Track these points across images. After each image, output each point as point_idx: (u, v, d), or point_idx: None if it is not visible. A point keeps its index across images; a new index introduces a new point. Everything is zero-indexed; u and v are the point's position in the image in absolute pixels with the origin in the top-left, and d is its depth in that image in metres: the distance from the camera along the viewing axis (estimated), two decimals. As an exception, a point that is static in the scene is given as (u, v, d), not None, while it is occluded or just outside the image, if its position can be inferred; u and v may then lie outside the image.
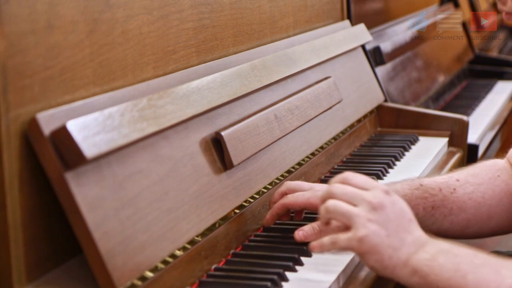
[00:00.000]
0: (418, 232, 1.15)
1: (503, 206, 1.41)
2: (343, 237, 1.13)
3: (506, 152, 1.49)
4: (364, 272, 1.29)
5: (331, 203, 1.15)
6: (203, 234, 1.25)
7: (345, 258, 1.28)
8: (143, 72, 1.27)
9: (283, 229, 1.40)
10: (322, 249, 1.15)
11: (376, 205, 1.13)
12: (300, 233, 1.30)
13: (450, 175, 1.43)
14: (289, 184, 1.39)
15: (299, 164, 1.64)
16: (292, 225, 1.39)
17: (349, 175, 1.18)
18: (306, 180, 1.65)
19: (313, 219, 1.33)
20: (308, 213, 1.42)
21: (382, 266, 1.12)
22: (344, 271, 1.25)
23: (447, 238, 1.56)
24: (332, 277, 1.22)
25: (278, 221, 1.47)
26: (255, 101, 1.53)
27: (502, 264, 1.08)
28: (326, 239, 1.15)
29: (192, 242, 1.22)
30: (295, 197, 1.35)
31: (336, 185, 1.17)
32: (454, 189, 1.40)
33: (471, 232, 1.43)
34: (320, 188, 1.36)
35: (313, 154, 1.72)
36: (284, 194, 1.38)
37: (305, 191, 1.36)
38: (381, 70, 2.32)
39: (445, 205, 1.39)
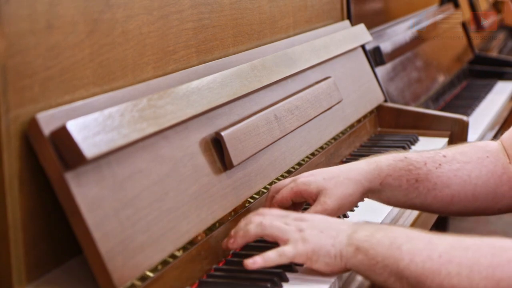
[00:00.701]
0: (350, 221, 1.23)
1: (489, 187, 1.40)
2: (288, 247, 1.18)
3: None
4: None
5: (267, 221, 1.21)
6: (203, 234, 1.25)
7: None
8: (143, 72, 1.27)
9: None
10: (267, 263, 1.17)
11: (301, 218, 1.22)
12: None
13: (437, 151, 1.43)
14: (273, 186, 1.41)
15: (299, 164, 1.64)
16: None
17: (264, 209, 1.27)
18: (306, 180, 1.65)
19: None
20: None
21: (331, 259, 1.17)
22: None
23: (432, 213, 1.58)
24: (333, 277, 1.22)
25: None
26: (255, 101, 1.53)
27: (435, 235, 1.13)
28: (271, 253, 1.18)
29: (192, 242, 1.22)
30: (281, 194, 1.37)
31: (262, 213, 1.25)
32: (440, 164, 1.40)
33: (455, 209, 1.43)
34: (301, 176, 1.38)
35: (313, 154, 1.72)
36: (272, 197, 1.39)
37: (287, 184, 1.38)
38: (381, 70, 2.32)
39: (429, 179, 1.39)
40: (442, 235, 1.14)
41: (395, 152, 1.43)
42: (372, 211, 1.51)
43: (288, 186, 1.37)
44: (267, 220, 1.21)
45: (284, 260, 1.18)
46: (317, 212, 1.32)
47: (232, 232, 1.25)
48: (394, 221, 1.57)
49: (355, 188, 1.35)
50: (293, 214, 1.24)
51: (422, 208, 1.43)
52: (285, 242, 1.19)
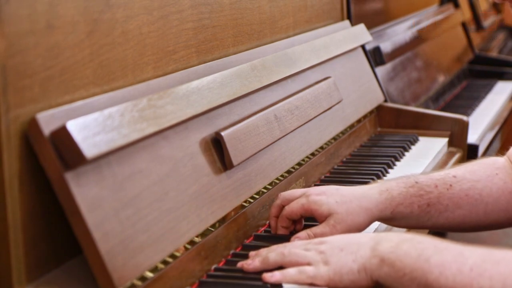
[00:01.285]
0: (371, 234, 1.19)
1: (500, 204, 1.41)
2: (309, 267, 1.16)
3: (507, 150, 1.49)
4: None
5: (287, 250, 1.19)
6: (203, 234, 1.25)
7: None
8: (143, 72, 1.27)
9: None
10: (285, 279, 1.15)
11: (321, 241, 1.19)
12: (296, 239, 1.30)
13: (447, 172, 1.43)
14: (283, 195, 1.40)
15: (299, 164, 1.64)
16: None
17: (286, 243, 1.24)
18: (306, 180, 1.65)
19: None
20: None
21: (355, 275, 1.14)
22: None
23: (444, 232, 1.57)
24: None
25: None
26: (255, 101, 1.53)
27: (464, 247, 1.11)
28: (291, 269, 1.16)
29: (192, 242, 1.22)
30: (290, 208, 1.36)
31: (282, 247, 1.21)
32: (451, 185, 1.40)
33: (467, 227, 1.43)
34: (313, 191, 1.37)
35: (313, 154, 1.72)
36: (280, 206, 1.38)
37: (299, 198, 1.36)
38: (381, 70, 2.32)
39: (441, 201, 1.39)
40: (471, 247, 1.11)
41: (405, 177, 1.42)
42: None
43: (299, 201, 1.35)
44: (287, 249, 1.19)
45: (303, 278, 1.15)
46: (325, 233, 1.30)
47: (253, 253, 1.24)
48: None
49: (365, 217, 1.35)
50: (314, 240, 1.22)
51: (434, 228, 1.43)
52: (307, 265, 1.17)
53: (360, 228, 1.35)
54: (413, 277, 1.09)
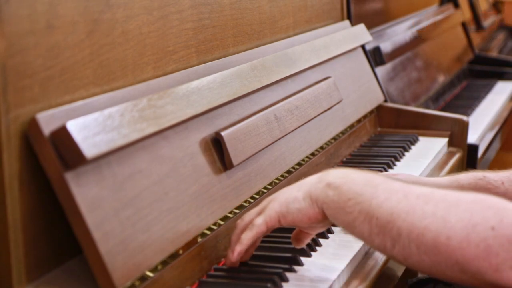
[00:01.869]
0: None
1: None
2: (257, 218, 1.17)
3: (507, 150, 1.50)
4: (370, 264, 1.30)
5: (244, 220, 1.20)
6: (203, 234, 1.25)
7: (349, 254, 1.29)
8: (143, 72, 1.27)
9: (283, 229, 1.40)
10: (243, 245, 1.17)
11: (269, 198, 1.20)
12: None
13: None
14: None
15: (299, 164, 1.64)
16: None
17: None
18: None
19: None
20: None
21: (301, 203, 1.14)
22: (347, 266, 1.26)
23: None
24: (334, 275, 1.22)
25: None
26: (255, 101, 1.53)
27: (412, 178, 1.13)
28: (243, 234, 1.17)
29: (192, 242, 1.22)
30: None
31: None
32: None
33: None
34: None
35: (313, 154, 1.72)
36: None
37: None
38: (381, 70, 2.32)
39: (506, 198, 1.41)
40: (419, 183, 1.13)
41: (474, 172, 1.45)
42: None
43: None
44: (243, 218, 1.21)
45: (257, 230, 1.16)
46: None
47: (229, 252, 1.23)
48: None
49: None
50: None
51: None
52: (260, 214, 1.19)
53: None
54: (357, 202, 1.09)
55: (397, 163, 1.87)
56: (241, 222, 1.21)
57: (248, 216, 1.21)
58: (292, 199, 1.15)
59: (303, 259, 1.28)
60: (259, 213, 1.19)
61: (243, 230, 1.20)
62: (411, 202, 1.05)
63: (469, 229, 1.00)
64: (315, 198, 1.14)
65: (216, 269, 1.26)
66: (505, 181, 1.42)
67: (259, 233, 1.18)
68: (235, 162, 1.35)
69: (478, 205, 1.03)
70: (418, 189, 1.08)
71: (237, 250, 1.19)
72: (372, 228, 1.07)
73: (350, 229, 1.11)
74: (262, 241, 1.37)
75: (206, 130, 1.34)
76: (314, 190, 1.14)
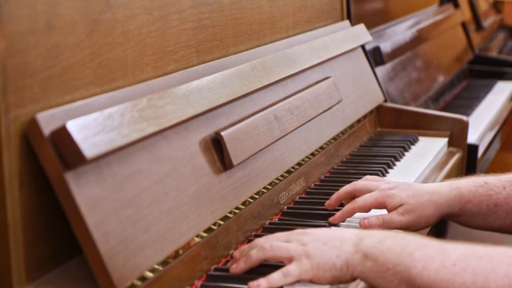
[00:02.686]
0: (353, 230, 1.21)
1: None
2: (292, 266, 1.15)
3: (507, 150, 1.50)
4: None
5: (267, 244, 1.19)
6: (203, 234, 1.25)
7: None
8: (143, 72, 1.27)
9: (283, 229, 1.40)
10: (271, 286, 1.15)
11: (302, 232, 1.20)
12: (365, 221, 1.37)
13: None
14: (356, 185, 1.46)
15: (299, 164, 1.64)
16: (292, 226, 1.39)
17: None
18: (306, 180, 1.65)
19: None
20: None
21: (337, 271, 1.15)
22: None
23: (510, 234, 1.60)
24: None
25: (278, 221, 1.48)
26: (255, 101, 1.53)
27: (446, 243, 1.12)
28: (275, 274, 1.15)
29: (192, 242, 1.22)
30: (363, 201, 1.42)
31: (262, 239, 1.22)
32: None
33: None
34: (386, 186, 1.43)
35: (313, 154, 1.72)
36: (351, 194, 1.45)
37: (372, 192, 1.42)
38: (381, 70, 2.32)
39: (508, 203, 1.42)
40: (454, 243, 1.12)
41: (473, 177, 1.46)
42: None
43: (372, 195, 1.42)
44: (268, 242, 1.19)
45: (289, 280, 1.15)
46: (393, 219, 1.38)
47: (237, 253, 1.24)
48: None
49: (434, 211, 1.41)
50: (296, 231, 1.22)
51: (501, 230, 1.46)
52: (290, 260, 1.16)
53: (427, 220, 1.40)
54: (396, 271, 1.10)
55: (397, 163, 1.87)
56: (265, 242, 1.20)
57: (274, 239, 1.20)
58: (330, 265, 1.15)
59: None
60: (286, 244, 1.18)
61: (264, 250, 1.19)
62: (449, 270, 1.07)
63: None
64: (352, 269, 1.14)
65: (216, 269, 1.26)
66: (507, 186, 1.43)
67: (282, 283, 1.16)
68: (235, 162, 1.35)
69: None
70: (453, 254, 1.08)
71: (241, 269, 1.20)
72: None
73: None
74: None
75: (206, 130, 1.34)
76: (352, 261, 1.14)
